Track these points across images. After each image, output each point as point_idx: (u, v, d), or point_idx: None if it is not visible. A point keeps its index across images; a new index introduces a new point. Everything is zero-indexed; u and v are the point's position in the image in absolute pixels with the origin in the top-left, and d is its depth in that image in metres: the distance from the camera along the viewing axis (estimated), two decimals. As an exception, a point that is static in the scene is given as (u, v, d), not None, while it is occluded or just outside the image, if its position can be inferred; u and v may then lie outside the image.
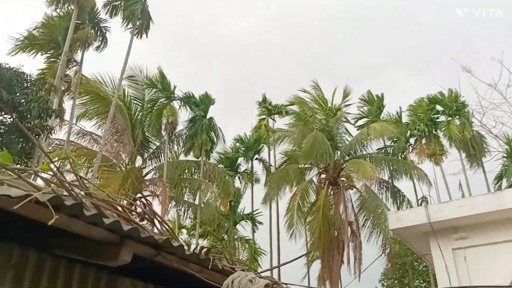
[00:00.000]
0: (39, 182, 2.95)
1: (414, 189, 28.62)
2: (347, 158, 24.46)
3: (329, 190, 22.93)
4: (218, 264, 3.40)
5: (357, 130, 29.89)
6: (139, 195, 22.49)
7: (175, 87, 26.42)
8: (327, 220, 21.68)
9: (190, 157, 27.59)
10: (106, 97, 22.67)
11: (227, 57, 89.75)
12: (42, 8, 22.81)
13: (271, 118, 38.44)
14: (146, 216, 3.86)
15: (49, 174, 2.85)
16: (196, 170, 26.28)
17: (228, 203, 31.77)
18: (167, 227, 3.89)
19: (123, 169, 22.73)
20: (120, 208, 3.24)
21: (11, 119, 13.71)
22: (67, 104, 23.10)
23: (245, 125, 66.47)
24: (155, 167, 25.03)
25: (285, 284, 3.35)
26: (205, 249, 3.48)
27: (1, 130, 13.69)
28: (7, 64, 14.34)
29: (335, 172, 23.55)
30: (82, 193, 2.88)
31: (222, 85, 73.88)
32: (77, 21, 22.69)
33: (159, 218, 3.91)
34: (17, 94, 13.94)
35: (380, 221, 21.60)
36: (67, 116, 22.47)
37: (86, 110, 23.18)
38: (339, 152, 24.53)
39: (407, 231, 7.44)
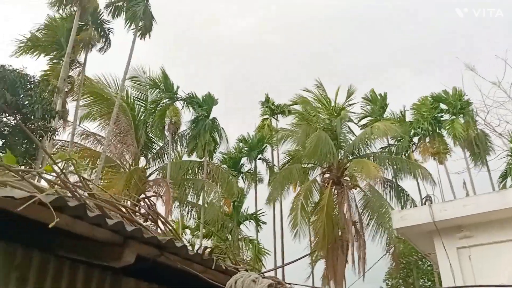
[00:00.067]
0: (43, 183, 2.96)
1: (418, 188, 28.52)
2: (350, 157, 24.43)
3: (333, 189, 22.89)
4: (221, 264, 3.40)
5: (360, 129, 29.84)
6: (142, 195, 22.53)
7: (178, 88, 26.49)
8: (331, 219, 21.65)
9: (194, 157, 27.64)
10: (109, 98, 22.72)
11: (227, 57, 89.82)
12: (42, 8, 22.95)
13: (274, 118, 38.45)
14: (150, 217, 3.86)
15: (53, 176, 2.86)
16: (199, 171, 26.32)
17: (232, 203, 31.80)
18: (170, 227, 3.89)
19: (127, 170, 22.78)
20: (123, 209, 3.25)
21: (15, 121, 13.77)
22: (71, 105, 23.22)
23: (245, 125, 66.75)
24: (158, 167, 25.08)
25: (289, 284, 3.34)
26: (208, 250, 3.48)
27: (5, 132, 13.74)
28: (10, 65, 14.40)
29: (338, 171, 23.52)
30: (86, 194, 2.88)
31: (222, 85, 73.94)
32: (80, 23, 22.78)
33: (162, 219, 3.91)
34: (21, 96, 13.99)
35: (384, 220, 21.55)
36: (70, 117, 22.57)
37: (90, 111, 23.22)
38: (342, 152, 24.51)
39: (411, 230, 7.41)
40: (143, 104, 24.94)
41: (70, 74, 22.39)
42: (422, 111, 34.11)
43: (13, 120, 13.81)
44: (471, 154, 32.80)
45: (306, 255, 22.45)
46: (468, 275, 6.51)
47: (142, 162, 24.77)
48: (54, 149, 20.27)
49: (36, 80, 15.33)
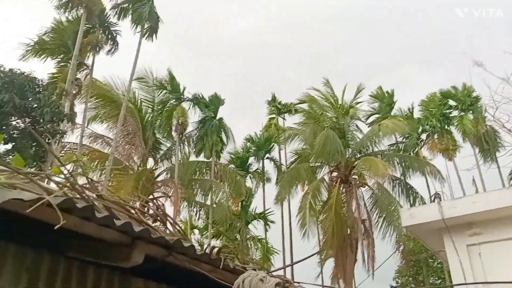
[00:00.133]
0: (52, 185, 2.99)
1: (427, 185, 28.39)
2: (358, 155, 24.33)
3: (341, 188, 22.82)
4: (229, 264, 3.40)
5: (368, 127, 29.73)
6: (151, 196, 22.62)
7: (184, 88, 26.56)
8: (340, 218, 21.59)
9: (201, 158, 27.70)
10: (116, 99, 22.85)
11: (227, 57, 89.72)
12: (42, 8, 23.08)
13: (280, 116, 38.40)
14: (159, 218, 3.89)
15: (61, 178, 2.88)
16: (207, 171, 26.38)
17: (240, 202, 31.80)
18: (179, 228, 3.91)
19: (135, 171, 22.89)
20: (132, 210, 3.27)
21: (24, 124, 13.90)
22: (79, 108, 23.36)
23: (245, 125, 66.74)
24: (166, 168, 25.17)
25: (298, 283, 3.34)
26: (216, 249, 3.49)
27: (15, 135, 13.88)
28: (18, 69, 14.55)
29: (346, 170, 23.44)
30: (94, 195, 2.91)
31: (222, 85, 73.98)
32: (87, 25, 22.92)
33: (171, 220, 3.93)
34: (30, 99, 14.12)
35: (393, 218, 21.45)
36: (79, 120, 22.71)
37: (97, 113, 23.37)
38: (350, 150, 24.42)
39: (420, 228, 7.36)
40: (150, 105, 25.05)
41: (77, 76, 22.52)
42: (431, 107, 33.89)
43: (22, 123, 13.95)
44: (480, 151, 32.53)
45: (315, 253, 22.38)
46: (478, 272, 6.45)
47: (150, 163, 24.90)
48: (63, 152, 20.42)
49: (44, 83, 15.48)
